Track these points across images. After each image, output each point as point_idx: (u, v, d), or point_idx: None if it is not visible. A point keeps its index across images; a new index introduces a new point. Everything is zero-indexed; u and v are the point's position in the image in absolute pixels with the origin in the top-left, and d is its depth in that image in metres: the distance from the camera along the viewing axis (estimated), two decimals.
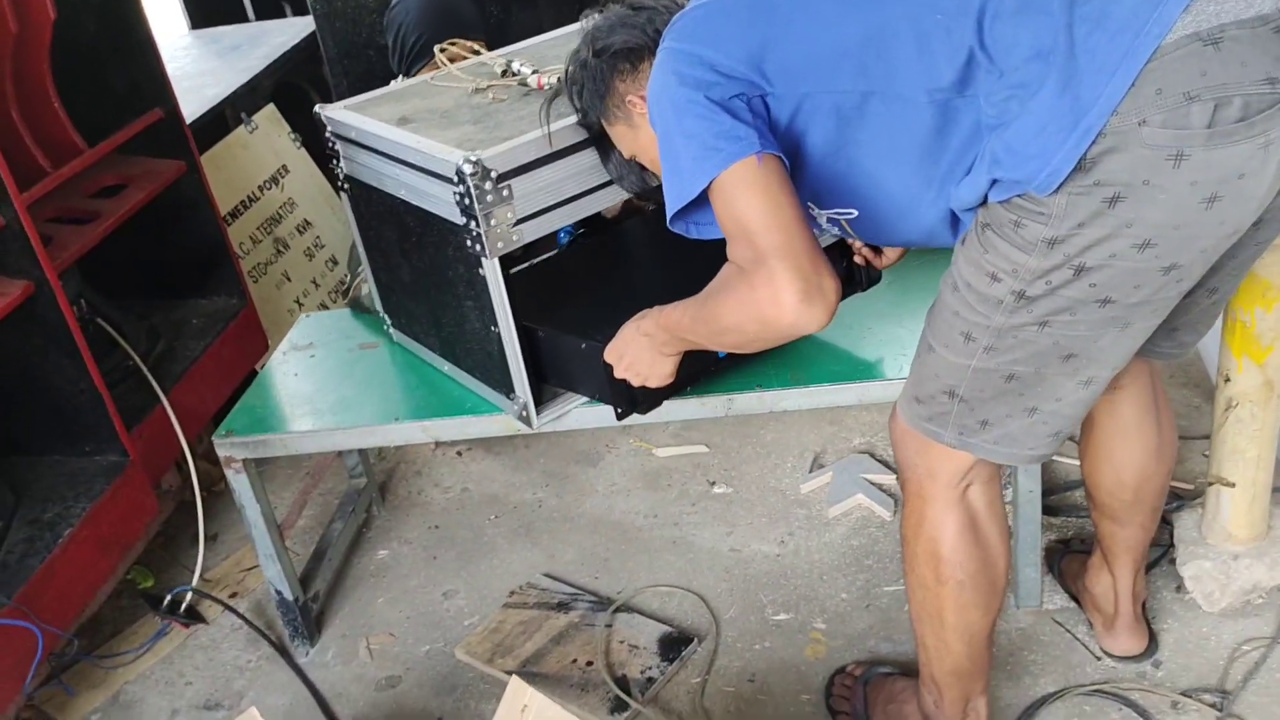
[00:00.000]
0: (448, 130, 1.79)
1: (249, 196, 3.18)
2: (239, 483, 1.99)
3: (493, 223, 1.67)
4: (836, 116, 1.36)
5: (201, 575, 2.35)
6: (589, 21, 1.62)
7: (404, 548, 2.44)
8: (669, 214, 1.42)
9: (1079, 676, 1.86)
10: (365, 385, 2.07)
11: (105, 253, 2.39)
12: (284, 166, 3.36)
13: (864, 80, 1.33)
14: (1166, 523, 2.01)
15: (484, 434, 1.96)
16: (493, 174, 1.64)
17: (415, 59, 2.50)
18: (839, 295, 1.32)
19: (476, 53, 2.10)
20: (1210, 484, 1.86)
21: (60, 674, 2.13)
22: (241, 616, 2.23)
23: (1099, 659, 1.88)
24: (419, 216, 1.82)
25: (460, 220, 1.70)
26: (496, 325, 1.77)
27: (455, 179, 1.64)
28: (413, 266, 1.95)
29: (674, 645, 2.03)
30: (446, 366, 2.02)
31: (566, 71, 1.64)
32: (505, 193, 1.67)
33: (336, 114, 1.96)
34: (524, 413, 1.84)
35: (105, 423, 2.14)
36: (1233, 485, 1.82)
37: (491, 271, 1.71)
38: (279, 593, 2.11)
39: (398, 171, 1.82)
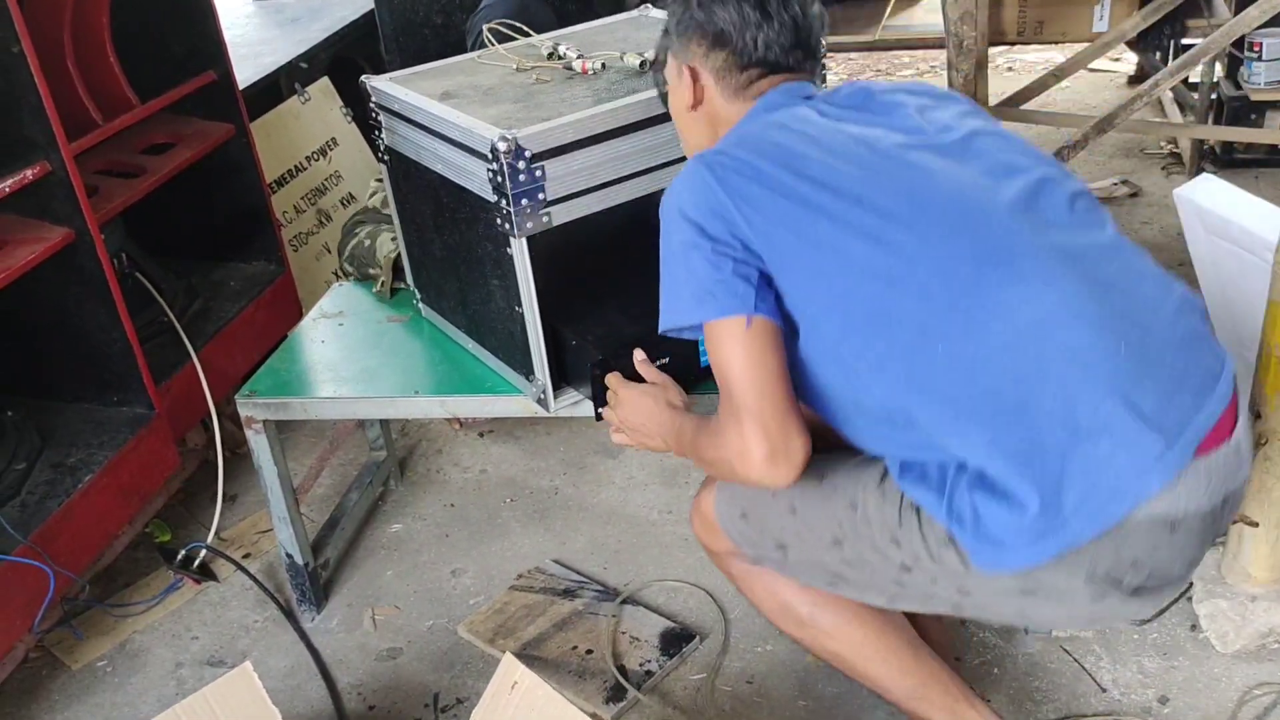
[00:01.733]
0: (488, 107, 1.80)
1: (296, 166, 3.21)
2: (258, 443, 2.00)
3: (523, 203, 1.67)
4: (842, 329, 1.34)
5: (217, 534, 2.39)
6: None
7: (418, 523, 2.45)
8: (660, 325, 1.42)
9: (1082, 707, 1.82)
10: (389, 357, 2.08)
11: (151, 209, 2.43)
12: (333, 139, 3.39)
13: (885, 344, 1.31)
14: None
15: (502, 414, 1.96)
16: (527, 153, 1.64)
17: None
18: (807, 455, 1.34)
19: (525, 33, 2.10)
20: (1233, 522, 1.82)
21: (71, 618, 2.16)
22: (252, 577, 2.25)
23: (1104, 690, 1.84)
24: (454, 192, 1.83)
25: (492, 198, 1.70)
26: (520, 306, 1.77)
27: (490, 155, 1.65)
28: (444, 242, 1.96)
29: (676, 641, 2.02)
30: (471, 344, 2.03)
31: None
32: (539, 173, 1.67)
33: (381, 85, 1.97)
34: (542, 396, 1.84)
35: (134, 374, 2.18)
36: (1256, 525, 1.78)
37: (519, 251, 1.71)
38: (289, 556, 2.12)
39: (437, 145, 1.82)
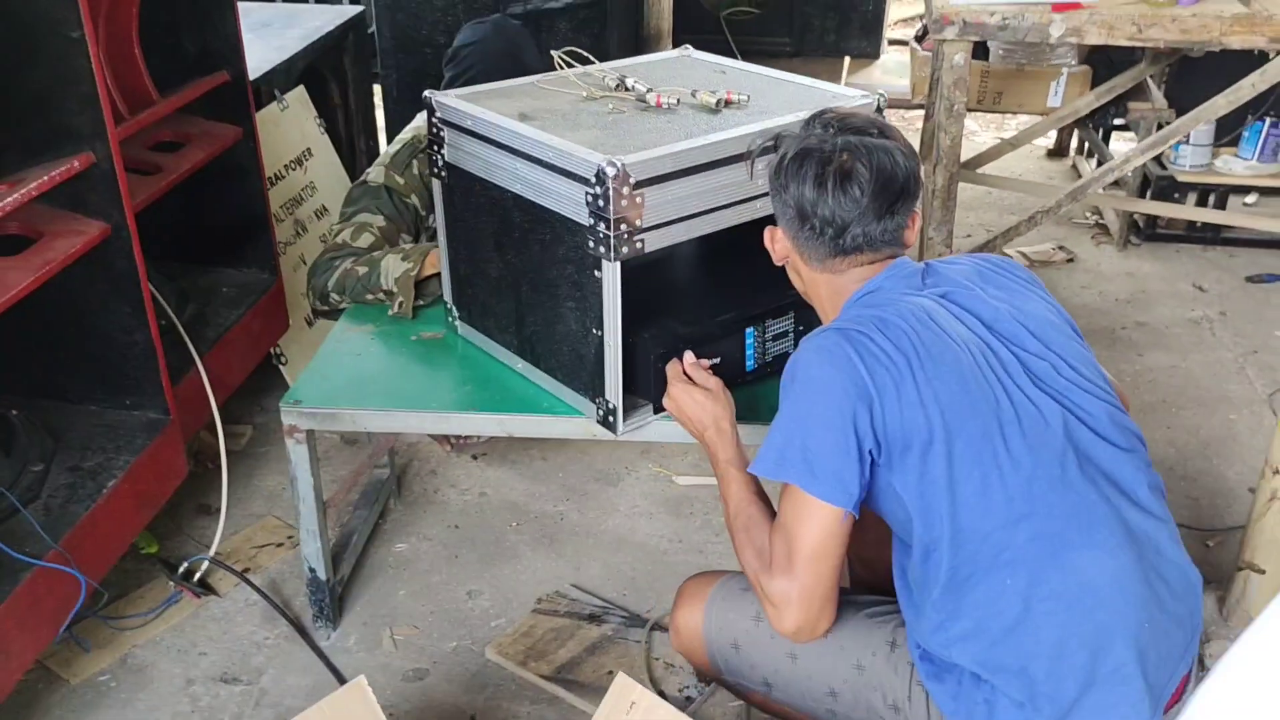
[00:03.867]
0: (575, 132, 1.82)
1: (275, 174, 3.13)
2: (298, 453, 1.95)
3: (623, 227, 1.70)
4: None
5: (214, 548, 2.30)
6: (792, 136, 1.57)
7: (423, 543, 2.41)
8: (754, 464, 1.47)
9: None
10: (433, 373, 2.07)
11: (145, 210, 2.34)
12: (308, 149, 3.32)
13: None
14: None
15: (559, 435, 1.97)
16: (632, 179, 1.68)
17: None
18: (830, 627, 1.44)
19: (588, 61, 2.13)
20: (1240, 569, 1.97)
21: (67, 629, 2.04)
22: (262, 593, 2.18)
23: None
24: (531, 212, 1.84)
25: (586, 221, 1.72)
26: (600, 329, 1.79)
27: (594, 180, 1.67)
28: (506, 261, 1.96)
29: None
30: (520, 364, 2.03)
31: (774, 139, 1.63)
32: (639, 199, 1.70)
33: (450, 101, 1.97)
34: (610, 418, 1.86)
35: (152, 378, 2.10)
36: (1263, 572, 1.93)
37: (610, 275, 1.73)
38: (312, 570, 2.07)
39: (517, 165, 1.83)
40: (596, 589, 2.27)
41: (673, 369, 1.76)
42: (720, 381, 1.73)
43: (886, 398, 1.38)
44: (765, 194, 1.81)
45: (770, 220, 1.64)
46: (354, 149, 3.96)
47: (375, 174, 2.42)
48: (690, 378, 1.74)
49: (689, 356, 1.78)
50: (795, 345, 1.99)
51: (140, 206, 2.20)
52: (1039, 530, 1.34)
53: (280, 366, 2.86)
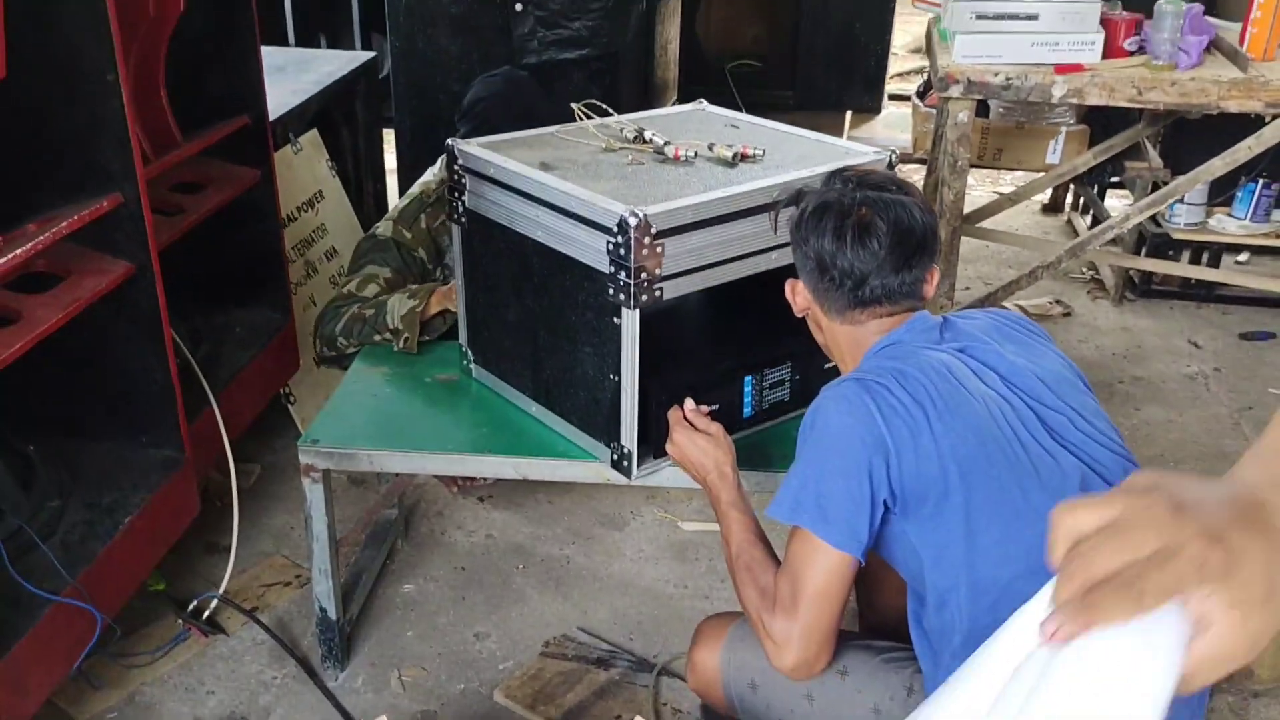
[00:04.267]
0: (597, 182, 1.87)
1: (288, 215, 3.17)
2: (314, 493, 1.97)
3: (642, 276, 1.74)
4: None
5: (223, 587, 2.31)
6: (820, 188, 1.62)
7: (430, 584, 2.42)
8: (770, 508, 1.51)
9: None
10: (449, 415, 2.09)
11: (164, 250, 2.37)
12: (320, 192, 3.37)
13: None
14: None
15: (573, 479, 2.00)
16: (653, 229, 1.72)
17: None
18: (826, 666, 1.48)
19: (606, 112, 2.18)
20: None
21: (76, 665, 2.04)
22: (270, 632, 2.19)
23: None
24: (551, 259, 1.88)
25: (607, 269, 1.76)
26: (618, 374, 1.82)
27: (616, 229, 1.71)
28: (524, 306, 2.00)
29: (715, 715, 2.05)
30: (535, 408, 2.06)
31: (795, 195, 1.65)
32: (659, 249, 1.74)
33: (472, 149, 2.01)
34: (625, 462, 1.88)
35: (170, 417, 2.11)
36: None
37: (629, 322, 1.77)
38: (323, 610, 2.08)
39: (539, 213, 1.87)
40: (603, 633, 2.28)
41: (674, 414, 1.79)
42: (721, 426, 1.77)
43: (904, 449, 1.41)
44: (778, 246, 1.87)
45: (788, 272, 1.68)
46: (362, 191, 4.01)
47: (384, 228, 2.49)
48: (691, 423, 1.77)
49: (689, 403, 1.81)
50: (791, 394, 2.04)
51: (162, 246, 2.23)
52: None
53: (289, 406, 2.88)
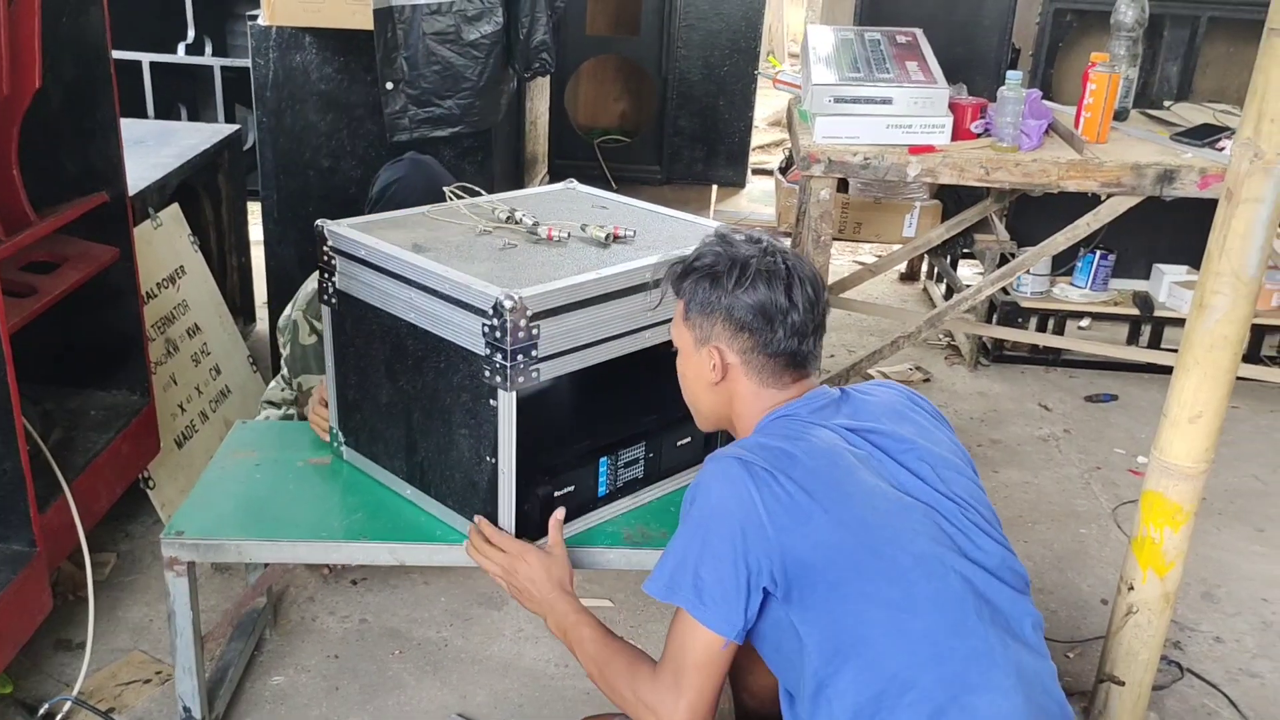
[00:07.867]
0: (470, 264, 1.87)
1: (148, 292, 3.08)
2: (178, 587, 1.89)
3: (519, 359, 1.74)
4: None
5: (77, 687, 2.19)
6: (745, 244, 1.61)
7: (301, 675, 2.34)
8: (647, 583, 1.54)
9: None
10: (321, 500, 2.04)
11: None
12: (181, 267, 3.29)
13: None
14: None
15: (450, 563, 1.96)
16: (529, 311, 1.73)
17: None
18: None
19: (476, 193, 2.19)
20: (1101, 680, 2.08)
21: None
22: None
23: None
24: (425, 341, 1.87)
25: (483, 351, 1.76)
26: (494, 456, 1.82)
27: (491, 312, 1.72)
28: (397, 388, 1.97)
29: None
30: (409, 491, 2.03)
31: (700, 258, 1.63)
32: (535, 331, 1.75)
33: (342, 230, 2.00)
34: None
35: (20, 509, 2.02)
36: (1123, 684, 2.04)
37: (506, 404, 1.77)
38: (187, 710, 1.99)
39: (411, 295, 1.87)
40: (483, 718, 2.24)
41: (488, 531, 1.82)
42: (564, 551, 1.81)
43: (786, 538, 1.43)
44: (651, 325, 1.90)
45: (657, 351, 1.70)
46: (225, 265, 3.92)
47: (303, 331, 2.55)
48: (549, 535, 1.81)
49: (558, 513, 1.84)
50: (644, 472, 2.05)
51: (13, 328, 2.14)
52: (943, 674, 1.39)
53: (148, 490, 2.77)
